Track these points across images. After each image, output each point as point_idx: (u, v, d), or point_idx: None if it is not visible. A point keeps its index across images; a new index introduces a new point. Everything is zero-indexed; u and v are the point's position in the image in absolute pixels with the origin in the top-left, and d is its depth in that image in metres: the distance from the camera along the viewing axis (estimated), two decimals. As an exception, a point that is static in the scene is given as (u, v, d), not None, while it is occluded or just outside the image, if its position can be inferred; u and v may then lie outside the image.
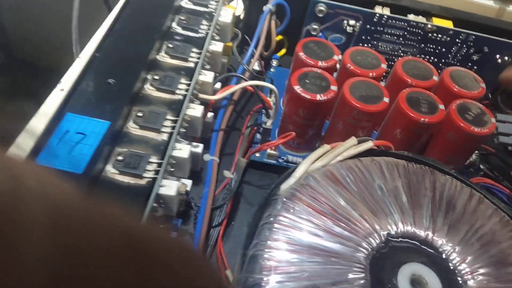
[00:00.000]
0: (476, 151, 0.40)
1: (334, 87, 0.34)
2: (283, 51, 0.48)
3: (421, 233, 0.27)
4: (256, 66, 0.46)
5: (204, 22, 0.36)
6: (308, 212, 0.27)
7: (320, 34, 0.44)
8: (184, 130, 0.29)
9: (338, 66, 0.39)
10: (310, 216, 0.26)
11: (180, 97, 0.30)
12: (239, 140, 0.37)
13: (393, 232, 0.27)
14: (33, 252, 0.07)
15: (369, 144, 0.30)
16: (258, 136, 0.38)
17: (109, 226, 0.09)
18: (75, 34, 0.49)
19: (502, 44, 0.42)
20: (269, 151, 0.37)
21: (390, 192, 0.28)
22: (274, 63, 0.46)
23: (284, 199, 0.27)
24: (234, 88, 0.33)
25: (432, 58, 0.44)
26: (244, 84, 0.33)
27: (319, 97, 0.33)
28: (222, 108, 0.37)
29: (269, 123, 0.36)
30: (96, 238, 0.08)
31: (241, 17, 0.44)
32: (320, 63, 0.36)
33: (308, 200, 0.27)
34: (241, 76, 0.35)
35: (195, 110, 0.30)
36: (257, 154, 0.37)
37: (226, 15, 0.37)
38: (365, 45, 0.44)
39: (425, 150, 0.37)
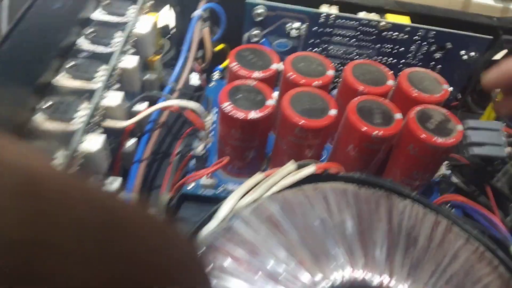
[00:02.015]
0: (447, 162, 0.35)
1: (270, 102, 0.29)
2: (227, 62, 0.42)
3: (375, 279, 0.22)
4: (196, 80, 0.41)
5: (119, 34, 0.31)
6: (232, 269, 0.21)
7: (264, 40, 0.38)
8: (78, 167, 0.24)
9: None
10: (234, 273, 0.21)
11: (78, 126, 0.25)
12: (167, 171, 0.31)
13: (338, 282, 0.21)
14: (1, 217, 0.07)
15: (310, 169, 0.25)
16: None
17: (84, 199, 0.09)
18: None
19: (467, 38, 0.37)
20: (203, 180, 0.31)
21: (336, 228, 0.23)
22: (216, 75, 0.41)
23: (202, 251, 0.22)
24: (147, 111, 0.28)
25: (391, 59, 0.39)
26: (157, 106, 0.28)
27: (252, 114, 0.28)
28: (146, 134, 0.31)
29: (200, 148, 0.31)
30: (70, 209, 0.08)
31: (170, 26, 0.39)
32: (255, 74, 0.31)
33: (233, 250, 0.22)
34: (154, 95, 0.30)
35: (92, 143, 0.24)
36: (191, 185, 0.32)
37: (143, 25, 0.32)
38: (315, 49, 0.39)
39: (385, 167, 0.32)
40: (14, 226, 0.07)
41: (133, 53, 0.31)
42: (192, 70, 0.38)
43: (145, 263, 0.09)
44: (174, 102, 0.28)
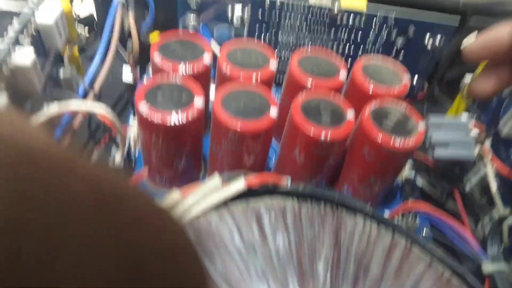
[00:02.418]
0: (412, 163, 0.31)
1: (199, 101, 0.24)
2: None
3: (316, 324, 0.17)
4: (128, 75, 0.35)
5: (17, 26, 0.26)
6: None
7: (202, 27, 0.33)
8: None
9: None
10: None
11: None
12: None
13: (268, 333, 0.17)
14: None
15: (239, 185, 0.20)
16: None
17: (75, 176, 0.08)
18: None
19: (431, 22, 0.33)
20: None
21: (269, 259, 0.18)
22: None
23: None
24: (40, 118, 0.22)
25: (347, 48, 0.34)
26: (51, 111, 0.23)
27: (174, 118, 0.23)
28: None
29: (118, 158, 0.26)
30: (61, 187, 0.08)
31: (95, 15, 0.33)
32: (182, 67, 0.26)
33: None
34: (58, 97, 0.25)
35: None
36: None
37: (47, 14, 0.26)
38: (263, 37, 0.34)
39: (340, 172, 0.28)
40: (6, 205, 0.07)
41: (37, 47, 0.26)
42: (125, 63, 0.33)
43: (146, 245, 0.09)
44: (75, 105, 0.23)
